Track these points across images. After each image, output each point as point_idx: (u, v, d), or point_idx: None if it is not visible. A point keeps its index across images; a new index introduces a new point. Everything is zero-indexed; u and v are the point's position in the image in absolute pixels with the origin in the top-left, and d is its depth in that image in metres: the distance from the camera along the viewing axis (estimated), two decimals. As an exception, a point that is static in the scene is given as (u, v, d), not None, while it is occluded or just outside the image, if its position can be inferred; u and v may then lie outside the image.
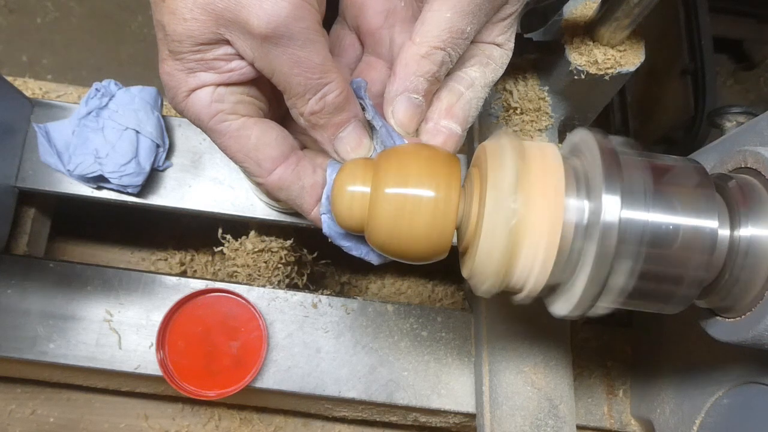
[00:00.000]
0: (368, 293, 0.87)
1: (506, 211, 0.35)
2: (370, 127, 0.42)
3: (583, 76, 0.59)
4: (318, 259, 0.80)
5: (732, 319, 0.39)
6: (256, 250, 0.76)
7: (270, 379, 0.65)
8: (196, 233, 0.87)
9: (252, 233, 0.70)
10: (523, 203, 0.35)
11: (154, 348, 0.63)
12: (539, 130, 0.66)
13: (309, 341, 0.66)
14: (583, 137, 0.38)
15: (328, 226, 0.42)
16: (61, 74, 1.36)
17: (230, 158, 0.42)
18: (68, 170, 0.66)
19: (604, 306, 0.37)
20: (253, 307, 0.65)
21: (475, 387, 0.65)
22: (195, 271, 0.86)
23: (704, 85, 1.06)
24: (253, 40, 0.36)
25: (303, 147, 0.46)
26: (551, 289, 0.39)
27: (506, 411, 0.60)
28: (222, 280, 0.73)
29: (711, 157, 0.51)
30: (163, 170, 0.69)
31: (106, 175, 0.65)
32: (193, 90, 0.39)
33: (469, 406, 0.65)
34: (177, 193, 0.68)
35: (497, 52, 0.43)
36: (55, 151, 0.67)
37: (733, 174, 0.41)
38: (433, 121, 0.41)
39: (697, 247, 0.36)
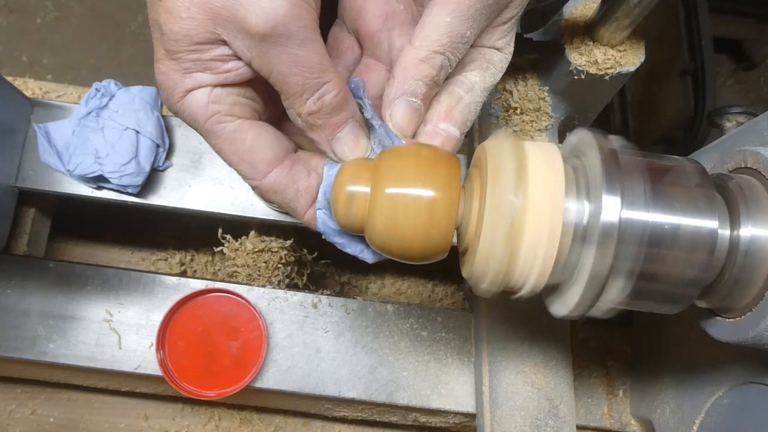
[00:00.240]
0: (368, 293, 0.87)
1: (506, 211, 0.35)
2: (367, 127, 0.42)
3: (583, 76, 0.59)
4: (318, 259, 0.80)
5: (732, 319, 0.39)
6: (256, 250, 0.76)
7: (270, 379, 0.65)
8: (196, 233, 0.87)
9: (252, 233, 0.70)
10: (522, 203, 0.35)
11: (154, 348, 0.63)
12: (539, 130, 0.66)
13: (309, 341, 0.66)
14: (583, 137, 0.38)
15: (322, 222, 0.42)
16: (61, 74, 1.36)
17: (225, 160, 0.42)
18: (68, 170, 0.66)
19: (604, 306, 0.37)
20: (253, 307, 0.65)
21: (475, 387, 0.65)
22: (195, 271, 0.86)
23: (704, 85, 1.06)
24: (250, 40, 0.36)
25: (298, 149, 0.46)
26: (551, 289, 0.39)
27: (506, 411, 0.60)
28: (222, 280, 0.73)
29: (711, 157, 0.51)
30: (163, 170, 0.69)
31: (106, 175, 0.65)
32: (190, 90, 0.39)
33: (469, 406, 0.65)
34: (177, 193, 0.68)
35: (497, 56, 0.43)
36: (55, 151, 0.67)
37: (733, 174, 0.41)
38: (431, 123, 0.41)
39: (697, 247, 0.36)
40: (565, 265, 0.36)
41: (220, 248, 0.75)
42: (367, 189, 0.38)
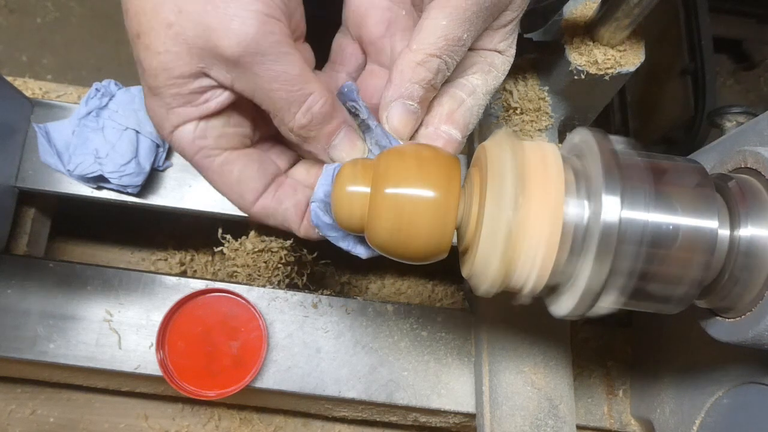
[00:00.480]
0: (368, 293, 0.87)
1: (506, 211, 0.35)
2: (362, 129, 0.42)
3: (583, 76, 0.59)
4: (318, 259, 0.80)
5: (732, 319, 0.39)
6: (256, 250, 0.76)
7: (270, 379, 0.65)
8: (196, 233, 0.87)
9: (252, 233, 0.70)
10: (523, 203, 0.35)
11: (154, 348, 0.63)
12: (539, 130, 0.66)
13: (309, 341, 0.66)
14: (583, 137, 0.38)
15: (315, 215, 0.42)
16: (61, 74, 1.36)
17: (216, 190, 0.42)
18: (68, 170, 0.66)
19: (604, 306, 0.37)
20: (253, 307, 0.65)
21: (475, 387, 0.65)
22: (195, 271, 0.86)
23: (704, 85, 1.06)
24: (227, 64, 0.36)
25: (298, 159, 0.46)
26: (551, 289, 0.39)
27: (506, 411, 0.60)
28: (222, 280, 0.73)
29: (711, 157, 0.51)
30: (163, 170, 0.69)
31: (106, 175, 0.65)
32: (177, 126, 0.39)
33: (469, 406, 0.65)
34: (177, 193, 0.68)
35: (499, 59, 0.43)
36: (55, 151, 0.67)
37: (733, 174, 0.41)
38: (433, 126, 0.41)
39: (697, 247, 0.36)
40: (565, 265, 0.36)
41: (220, 248, 0.75)
42: (367, 189, 0.38)
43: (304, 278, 0.78)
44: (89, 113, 0.67)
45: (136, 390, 0.74)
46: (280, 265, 0.76)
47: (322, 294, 0.69)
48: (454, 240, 0.38)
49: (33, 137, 0.68)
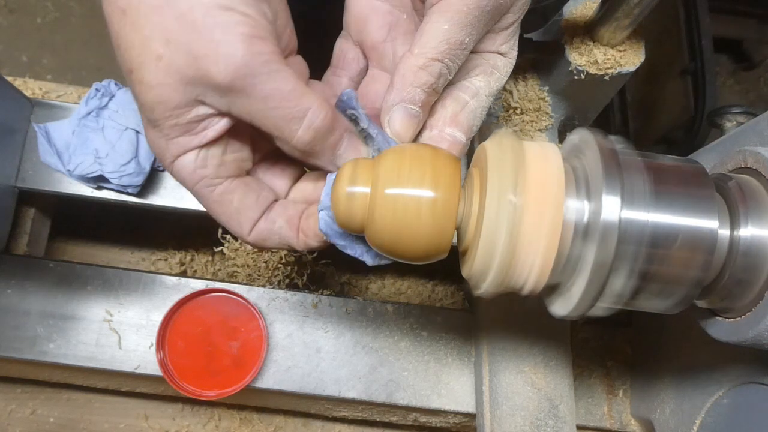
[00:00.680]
0: (368, 293, 0.87)
1: (506, 211, 0.35)
2: (363, 136, 0.42)
3: (583, 76, 0.59)
4: (318, 259, 0.80)
5: (732, 319, 0.39)
6: (256, 250, 0.76)
7: (270, 379, 0.65)
8: (196, 233, 0.87)
9: (252, 233, 0.70)
10: (523, 203, 0.35)
11: (154, 348, 0.63)
12: (539, 130, 0.66)
13: (309, 341, 0.66)
14: (583, 137, 0.38)
15: (324, 223, 0.42)
16: (61, 74, 1.36)
17: (215, 219, 0.43)
18: (68, 170, 0.66)
19: (604, 306, 0.37)
20: (253, 307, 0.65)
21: (475, 387, 0.65)
22: (195, 271, 0.86)
23: (704, 85, 1.06)
24: (221, 90, 0.36)
25: (301, 174, 0.46)
26: (551, 289, 0.39)
27: (506, 411, 0.60)
28: (222, 280, 0.73)
29: (711, 157, 0.51)
30: (163, 170, 0.69)
31: (106, 175, 0.65)
32: (177, 156, 0.39)
33: (469, 406, 0.65)
34: (177, 193, 0.68)
35: (501, 61, 0.43)
36: (55, 151, 0.67)
37: (733, 174, 0.41)
38: (437, 128, 0.41)
39: (697, 247, 0.36)
40: (565, 265, 0.36)
41: (220, 248, 0.75)
42: (366, 189, 0.38)
43: (304, 278, 0.78)
44: (89, 113, 0.67)
45: (136, 390, 0.74)
46: (280, 265, 0.76)
47: (322, 294, 0.69)
48: (454, 240, 0.38)
49: (33, 137, 0.68)
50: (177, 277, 0.68)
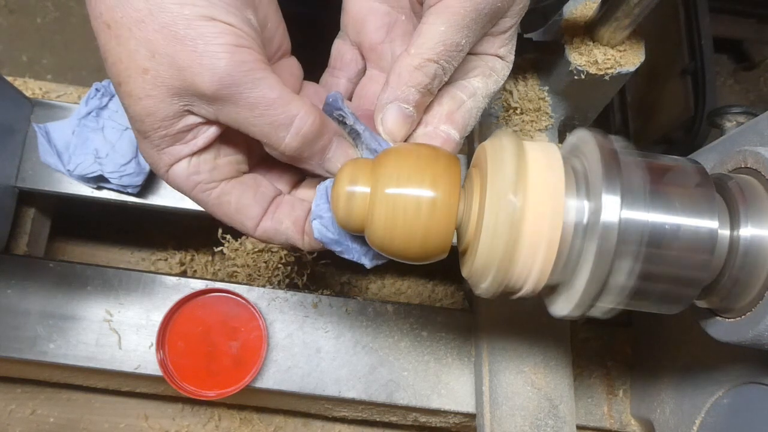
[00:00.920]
0: (368, 293, 0.87)
1: (506, 211, 0.35)
2: (353, 136, 0.42)
3: (583, 76, 0.59)
4: (318, 259, 0.80)
5: (732, 319, 0.39)
6: (256, 250, 0.76)
7: (270, 379, 0.65)
8: (196, 233, 0.87)
9: (252, 233, 0.70)
10: (523, 203, 0.35)
11: (154, 348, 0.63)
12: (539, 130, 0.66)
13: (309, 341, 0.66)
14: (583, 137, 0.38)
15: (319, 232, 0.42)
16: (61, 74, 1.36)
17: (219, 220, 0.43)
18: (68, 170, 0.66)
19: (604, 306, 0.37)
20: (253, 307, 0.65)
21: (475, 387, 0.65)
22: (195, 271, 0.86)
23: (704, 85, 1.06)
24: (206, 100, 0.36)
25: (303, 177, 0.47)
26: (551, 289, 0.39)
27: (506, 411, 0.60)
28: (222, 280, 0.73)
29: (711, 157, 0.51)
30: (163, 170, 0.68)
31: (106, 175, 0.65)
32: (170, 165, 0.40)
33: (469, 406, 0.65)
34: (177, 193, 0.67)
35: (499, 64, 0.43)
36: (55, 151, 0.67)
37: (733, 174, 0.41)
38: (432, 125, 0.42)
39: (697, 247, 0.36)
40: (564, 265, 0.36)
41: (220, 248, 0.75)
42: (366, 189, 0.38)
43: (304, 278, 0.78)
44: (89, 113, 0.67)
45: (136, 390, 0.74)
46: (280, 265, 0.76)
47: (322, 294, 0.69)
48: (454, 240, 0.38)
49: (33, 137, 0.68)
50: (177, 277, 0.68)
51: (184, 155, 0.39)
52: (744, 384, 0.47)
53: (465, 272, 0.40)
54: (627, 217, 0.35)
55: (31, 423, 0.76)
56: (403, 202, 0.37)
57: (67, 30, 1.39)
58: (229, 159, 0.42)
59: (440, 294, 0.87)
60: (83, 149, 0.66)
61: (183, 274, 0.85)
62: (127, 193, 0.68)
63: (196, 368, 0.64)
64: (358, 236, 0.42)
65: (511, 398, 0.60)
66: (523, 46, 0.61)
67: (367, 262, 0.43)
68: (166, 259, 0.86)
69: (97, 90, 0.68)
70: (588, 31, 0.59)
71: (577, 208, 0.36)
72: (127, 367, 0.64)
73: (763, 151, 0.39)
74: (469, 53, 0.43)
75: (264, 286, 0.69)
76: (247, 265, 0.75)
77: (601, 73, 0.59)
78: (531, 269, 0.36)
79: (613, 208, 0.34)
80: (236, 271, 0.77)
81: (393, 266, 0.87)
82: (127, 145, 0.66)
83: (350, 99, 0.48)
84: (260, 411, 0.79)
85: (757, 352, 0.40)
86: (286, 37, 0.45)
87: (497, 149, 0.37)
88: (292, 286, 0.76)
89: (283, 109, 0.36)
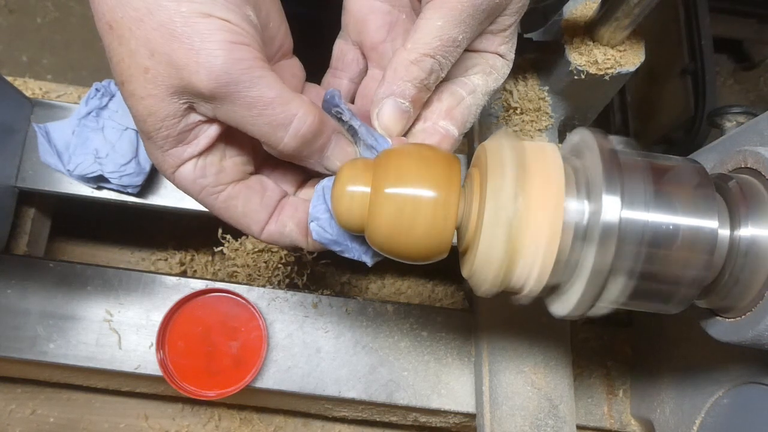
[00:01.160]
0: (368, 293, 0.87)
1: (506, 211, 0.35)
2: (351, 132, 0.42)
3: (583, 76, 0.59)
4: (318, 259, 0.80)
5: (732, 319, 0.39)
6: (256, 250, 0.76)
7: (270, 379, 0.65)
8: (196, 233, 0.87)
9: (252, 233, 0.70)
10: (523, 203, 0.35)
11: (154, 348, 0.63)
12: (539, 130, 0.66)
13: (309, 341, 0.66)
14: (583, 137, 0.38)
15: (317, 233, 0.42)
16: (61, 74, 1.36)
17: (225, 222, 0.43)
18: (68, 170, 0.66)
19: (604, 306, 0.37)
20: (253, 307, 0.65)
21: (475, 387, 0.65)
22: (195, 271, 0.86)
23: (704, 85, 1.06)
24: (204, 98, 0.36)
25: (309, 176, 0.47)
26: (551, 289, 0.39)
27: (506, 411, 0.60)
28: (222, 280, 0.73)
29: (711, 157, 0.51)
30: (163, 170, 0.68)
31: (106, 175, 0.65)
32: (176, 167, 0.39)
33: (469, 406, 0.65)
34: (177, 193, 0.68)
35: (500, 62, 0.43)
36: (55, 151, 0.67)
37: (733, 174, 0.41)
38: (431, 120, 0.41)
39: (697, 247, 0.36)
40: (565, 265, 0.36)
41: (220, 248, 0.75)
42: (367, 189, 0.38)
43: (304, 278, 0.78)
44: (89, 113, 0.67)
45: (136, 390, 0.74)
46: (280, 265, 0.76)
47: (322, 294, 0.69)
48: (454, 240, 0.38)
49: (33, 137, 0.68)
50: (177, 277, 0.68)
51: (188, 157, 0.39)
52: (744, 384, 0.47)
53: (465, 272, 0.40)
54: (627, 217, 0.35)
55: (31, 423, 0.76)
56: (403, 202, 0.37)
57: (67, 30, 1.39)
58: (234, 160, 0.41)
59: (440, 294, 0.87)
60: (83, 149, 0.66)
61: (183, 274, 0.85)
62: (127, 193, 0.68)
63: (196, 368, 0.64)
64: (358, 236, 0.42)
65: (511, 398, 0.60)
66: (523, 46, 0.61)
67: (368, 260, 0.43)
68: (166, 259, 0.86)
69: (97, 90, 0.68)
70: (588, 31, 0.59)
71: (577, 208, 0.36)
72: (127, 367, 0.64)
73: (763, 151, 0.39)
74: (470, 51, 0.42)
75: (264, 286, 0.69)
76: (247, 265, 0.75)
77: (601, 73, 0.59)
78: (531, 269, 0.36)
79: (613, 209, 0.34)
80: (236, 271, 0.77)
81: (393, 266, 0.87)
82: (127, 145, 0.66)
83: (353, 100, 0.48)
84: (260, 411, 0.79)
85: (757, 352, 0.40)
86: (289, 37, 0.45)
87: (497, 149, 0.37)
88: (292, 286, 0.76)
89: (281, 109, 0.36)
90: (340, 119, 0.41)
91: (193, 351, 0.64)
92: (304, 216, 0.44)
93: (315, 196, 0.42)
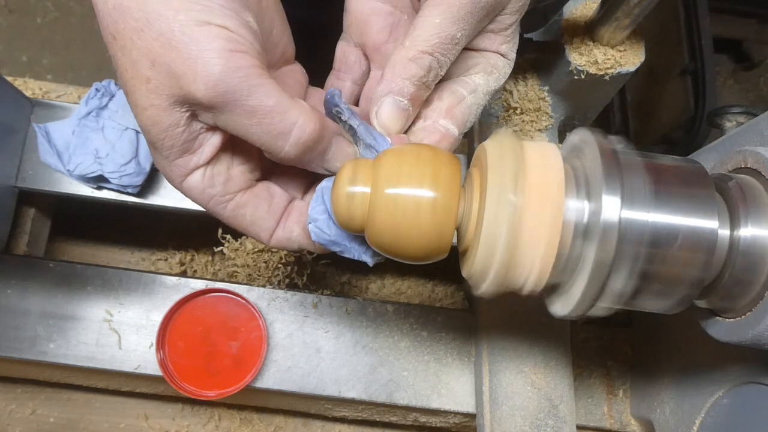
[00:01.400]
0: (368, 293, 0.87)
1: (506, 211, 0.35)
2: (351, 133, 0.42)
3: (583, 76, 0.59)
4: (318, 259, 0.80)
5: (732, 319, 0.39)
6: (256, 250, 0.76)
7: (270, 379, 0.65)
8: (196, 233, 0.87)
9: (252, 233, 0.70)
10: (523, 203, 0.35)
11: (154, 348, 0.63)
12: (539, 130, 0.66)
13: (309, 341, 0.66)
14: (583, 137, 0.38)
15: (315, 235, 0.42)
16: (61, 74, 1.36)
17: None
18: (68, 170, 0.66)
19: (604, 306, 0.37)
20: (253, 307, 0.65)
21: (475, 387, 0.65)
22: (195, 271, 0.86)
23: (704, 85, 1.06)
24: (204, 107, 0.35)
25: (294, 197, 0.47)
26: (551, 289, 0.39)
27: (506, 411, 0.60)
28: (222, 280, 0.73)
29: (711, 157, 0.51)
30: (163, 170, 0.69)
31: (106, 175, 0.65)
32: (184, 177, 0.39)
33: (469, 406, 0.65)
34: (177, 193, 0.67)
35: (501, 61, 0.43)
36: (55, 151, 0.67)
37: (733, 174, 0.41)
38: (431, 119, 0.41)
39: (697, 248, 0.36)
40: (565, 265, 0.36)
41: (220, 248, 0.75)
42: (367, 189, 0.38)
43: (304, 278, 0.78)
44: (89, 113, 0.67)
45: (136, 390, 0.74)
46: (280, 265, 0.76)
47: (322, 294, 0.69)
48: (454, 240, 0.38)
49: (33, 137, 0.68)
50: (177, 277, 0.68)
51: (195, 166, 0.39)
52: (744, 384, 0.47)
53: (465, 272, 0.40)
54: (627, 217, 0.35)
55: (31, 423, 0.76)
56: (403, 202, 0.37)
57: (67, 30, 1.39)
58: (241, 168, 0.41)
59: (440, 294, 0.87)
60: (83, 149, 0.66)
61: (183, 274, 0.85)
62: (127, 193, 0.68)
63: (196, 368, 0.64)
64: (358, 236, 0.42)
65: (511, 398, 0.60)
66: (523, 46, 0.61)
67: (369, 260, 0.43)
68: (166, 259, 0.86)
69: (97, 90, 0.68)
70: (588, 31, 0.59)
71: (577, 208, 0.36)
72: (127, 367, 0.64)
73: (763, 151, 0.39)
74: (471, 50, 0.42)
75: (264, 286, 0.69)
76: (247, 265, 0.75)
77: (601, 73, 0.59)
78: (531, 269, 0.36)
79: (613, 209, 0.34)
80: (236, 271, 0.77)
81: (393, 266, 0.87)
82: (127, 145, 0.66)
83: (357, 102, 0.48)
84: (260, 411, 0.79)
85: (757, 352, 0.40)
86: (291, 43, 0.45)
87: (497, 149, 0.37)
88: (292, 286, 0.76)
89: (280, 118, 0.36)
90: (339, 119, 0.41)
91: (193, 351, 0.64)
92: None
93: (314, 197, 0.42)
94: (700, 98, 1.06)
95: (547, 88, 0.65)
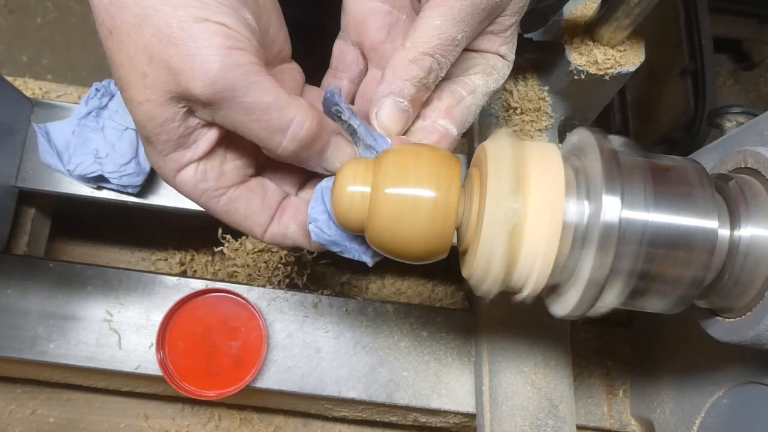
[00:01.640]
0: (368, 293, 0.87)
1: (506, 211, 0.35)
2: (350, 132, 0.42)
3: (583, 76, 0.59)
4: (318, 259, 0.80)
5: (732, 319, 0.39)
6: (256, 250, 0.76)
7: (270, 379, 0.65)
8: (196, 233, 0.87)
9: (252, 233, 0.70)
10: (523, 203, 0.35)
11: (154, 348, 0.63)
12: (539, 130, 0.66)
13: (309, 341, 0.66)
14: (583, 137, 0.38)
15: (315, 235, 0.42)
16: (61, 74, 1.36)
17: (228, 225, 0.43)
18: (68, 170, 0.66)
19: (604, 306, 0.37)
20: (253, 307, 0.65)
21: (475, 387, 0.65)
22: (195, 271, 0.86)
23: (704, 85, 1.06)
24: (202, 104, 0.35)
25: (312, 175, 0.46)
26: (551, 289, 0.39)
27: (506, 411, 0.60)
28: (222, 280, 0.73)
29: (711, 157, 0.51)
30: (163, 170, 0.69)
31: (106, 175, 0.65)
32: (177, 171, 0.39)
33: (469, 406, 0.65)
34: (177, 193, 0.68)
35: (500, 62, 0.43)
36: (55, 151, 0.67)
37: (733, 174, 0.41)
38: (430, 119, 0.42)
39: (697, 247, 0.36)
40: (565, 265, 0.36)
41: (220, 248, 0.75)
42: (367, 189, 0.38)
43: (304, 278, 0.78)
44: (89, 113, 0.67)
45: (136, 390, 0.74)
46: (280, 265, 0.76)
47: (322, 294, 0.69)
48: (454, 240, 0.38)
49: (33, 137, 0.68)
50: (177, 277, 0.68)
51: (188, 161, 0.39)
52: (744, 384, 0.47)
53: (465, 272, 0.40)
54: (627, 217, 0.35)
55: (31, 423, 0.76)
56: (403, 202, 0.37)
57: (67, 30, 1.39)
58: (235, 164, 0.41)
59: (440, 294, 0.87)
60: (83, 149, 0.66)
61: (183, 274, 0.85)
62: (127, 193, 0.68)
63: (196, 368, 0.64)
64: (358, 236, 0.42)
65: (511, 398, 0.60)
66: (523, 46, 0.61)
67: (368, 260, 0.43)
68: (166, 259, 0.86)
69: (97, 90, 0.68)
70: (588, 31, 0.59)
71: (577, 208, 0.36)
72: (127, 367, 0.64)
73: (763, 151, 0.39)
74: (471, 51, 0.43)
75: (264, 286, 0.69)
76: (247, 265, 0.75)
77: (601, 73, 0.59)
78: (531, 269, 0.36)
79: (613, 209, 0.34)
80: (236, 271, 0.77)
81: (393, 266, 0.87)
82: (127, 145, 0.66)
83: (353, 100, 0.48)
84: (260, 411, 0.79)
85: (757, 352, 0.40)
86: (288, 42, 0.45)
87: (497, 149, 0.37)
88: (292, 286, 0.76)
89: (278, 114, 0.36)
90: (339, 118, 0.41)
91: (193, 351, 0.64)
92: (306, 217, 0.44)
93: (314, 197, 0.42)
94: (700, 98, 1.06)
95: (547, 88, 0.65)
